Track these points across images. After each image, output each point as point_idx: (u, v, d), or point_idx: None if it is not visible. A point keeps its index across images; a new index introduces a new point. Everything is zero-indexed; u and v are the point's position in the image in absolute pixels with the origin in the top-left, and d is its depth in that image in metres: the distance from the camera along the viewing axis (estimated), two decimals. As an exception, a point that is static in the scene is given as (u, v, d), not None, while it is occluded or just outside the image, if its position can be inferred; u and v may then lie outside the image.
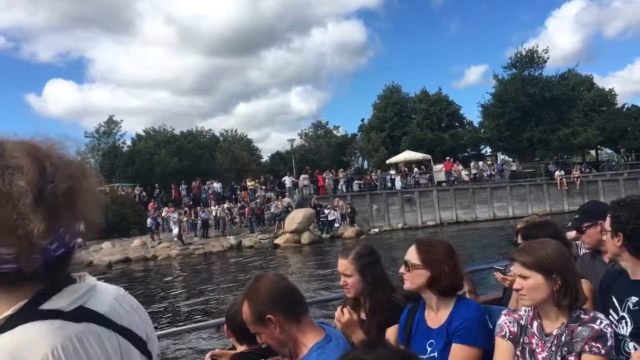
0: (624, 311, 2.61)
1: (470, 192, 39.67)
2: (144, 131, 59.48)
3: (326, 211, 34.00)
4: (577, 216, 3.74)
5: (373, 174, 43.02)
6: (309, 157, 55.68)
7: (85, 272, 1.29)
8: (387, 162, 46.98)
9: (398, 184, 39.57)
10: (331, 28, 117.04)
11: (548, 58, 54.61)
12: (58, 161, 1.13)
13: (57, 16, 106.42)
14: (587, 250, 3.83)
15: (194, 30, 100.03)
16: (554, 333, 2.39)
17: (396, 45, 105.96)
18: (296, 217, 31.76)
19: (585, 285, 2.71)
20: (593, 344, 2.28)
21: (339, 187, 39.56)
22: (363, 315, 3.08)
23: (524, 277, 2.45)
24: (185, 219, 33.40)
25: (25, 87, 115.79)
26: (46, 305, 1.12)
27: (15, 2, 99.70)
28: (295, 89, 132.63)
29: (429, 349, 2.71)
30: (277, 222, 33.68)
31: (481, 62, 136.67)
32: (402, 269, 2.82)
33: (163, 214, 33.90)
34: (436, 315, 2.77)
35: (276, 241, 31.38)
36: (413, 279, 2.76)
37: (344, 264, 3.13)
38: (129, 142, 58.96)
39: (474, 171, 42.79)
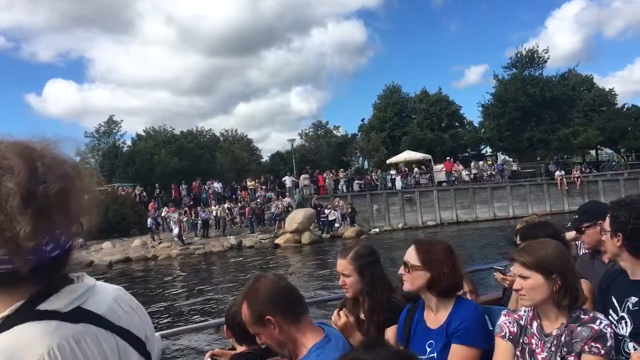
0: (623, 311, 2.61)
1: (470, 192, 39.68)
2: (144, 131, 59.50)
3: (326, 211, 34.02)
4: (576, 216, 3.75)
5: (373, 174, 43.03)
6: (309, 157, 55.68)
7: (84, 272, 1.29)
8: (388, 162, 46.99)
9: (398, 184, 39.59)
10: (331, 28, 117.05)
11: (548, 58, 54.71)
12: (51, 162, 1.12)
13: (57, 16, 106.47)
14: (586, 251, 3.83)
15: (194, 30, 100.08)
16: (554, 333, 2.39)
17: (396, 45, 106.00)
18: (297, 217, 31.77)
19: (584, 285, 2.71)
20: (593, 344, 2.28)
21: (340, 187, 39.58)
22: (362, 316, 3.08)
23: (524, 277, 2.45)
24: (185, 219, 33.42)
25: (25, 87, 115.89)
26: (43, 306, 1.12)
27: (15, 2, 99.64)
28: (295, 89, 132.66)
29: (428, 350, 2.70)
30: (277, 222, 33.69)
31: (481, 62, 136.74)
32: (401, 270, 2.81)
33: (163, 214, 33.90)
34: (435, 316, 2.77)
35: (276, 241, 31.40)
36: (413, 280, 2.76)
37: (342, 264, 3.13)
38: (129, 142, 59.02)
39: (474, 171, 42.79)
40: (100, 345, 1.16)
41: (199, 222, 33.47)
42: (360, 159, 66.41)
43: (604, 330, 2.30)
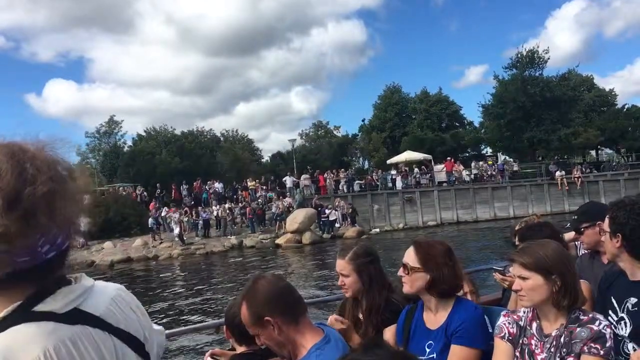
0: (623, 312, 2.61)
1: (471, 192, 39.68)
2: (144, 131, 59.57)
3: (327, 211, 34.03)
4: (575, 217, 3.75)
5: (374, 174, 43.05)
6: (309, 158, 55.66)
7: (83, 273, 1.29)
8: (388, 162, 46.97)
9: (399, 184, 39.59)
10: (331, 28, 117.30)
11: (549, 58, 54.60)
12: (41, 163, 1.12)
13: (57, 16, 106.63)
14: (586, 251, 3.83)
15: (194, 30, 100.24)
16: (553, 334, 2.39)
17: (396, 45, 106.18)
18: (297, 217, 31.77)
19: (584, 286, 2.71)
20: (592, 344, 2.28)
21: (340, 187, 39.59)
22: (361, 316, 3.08)
23: (524, 278, 2.44)
24: (186, 219, 33.42)
25: (25, 87, 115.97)
26: (40, 307, 1.12)
27: (15, 2, 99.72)
28: (296, 89, 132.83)
29: (427, 350, 2.70)
30: (278, 222, 33.70)
31: (481, 62, 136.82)
32: (400, 272, 2.81)
33: (163, 214, 33.93)
34: (435, 317, 2.76)
35: (277, 241, 31.41)
36: (412, 282, 2.75)
37: (341, 264, 3.13)
38: (129, 142, 59.10)
39: (474, 171, 42.77)
40: (97, 347, 1.16)
41: (200, 222, 33.49)
42: (361, 159, 66.46)
43: (603, 331, 2.30)
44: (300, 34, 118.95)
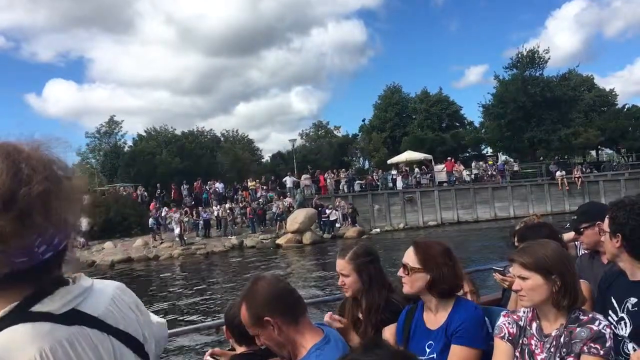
0: (623, 312, 2.61)
1: (471, 192, 39.69)
2: (145, 131, 59.61)
3: (328, 211, 34.05)
4: (575, 217, 3.75)
5: (374, 174, 43.05)
6: (310, 158, 55.67)
7: (81, 273, 1.28)
8: (388, 162, 46.98)
9: (399, 184, 39.61)
10: (331, 28, 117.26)
11: (549, 58, 54.57)
12: (37, 163, 1.11)
13: (57, 16, 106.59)
14: (585, 251, 3.83)
15: (194, 30, 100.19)
16: (553, 334, 2.39)
17: (396, 45, 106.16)
18: (298, 217, 31.79)
19: (583, 286, 2.71)
20: (592, 345, 2.28)
21: (341, 187, 39.59)
22: (360, 315, 3.08)
23: (523, 278, 2.45)
24: (186, 219, 33.44)
25: (25, 87, 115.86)
26: (37, 308, 1.12)
27: (15, 2, 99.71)
28: (296, 89, 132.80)
29: (427, 350, 2.70)
30: (278, 222, 33.71)
31: (481, 62, 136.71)
32: (400, 272, 2.81)
33: (162, 214, 33.95)
34: (435, 317, 2.76)
35: (278, 241, 31.42)
36: (412, 283, 2.76)
37: (341, 264, 3.13)
38: (130, 142, 59.11)
39: (475, 171, 42.78)
40: (95, 348, 1.16)
41: (201, 222, 33.51)
42: (361, 159, 66.43)
43: (603, 331, 2.30)
44: (300, 34, 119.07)
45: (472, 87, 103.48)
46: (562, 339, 2.35)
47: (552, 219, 27.41)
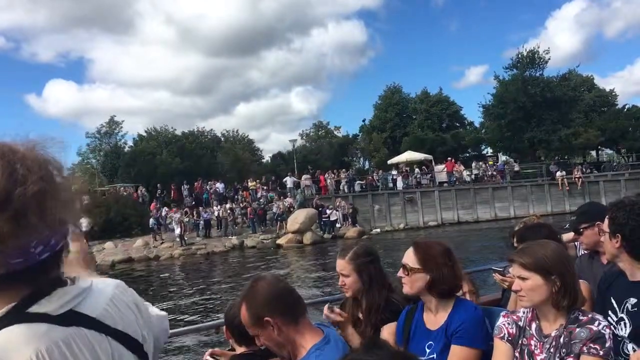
0: (622, 312, 2.61)
1: (471, 192, 39.70)
2: (145, 131, 59.60)
3: (328, 211, 34.06)
4: (574, 217, 3.75)
5: (375, 174, 43.06)
6: (310, 158, 55.67)
7: (79, 274, 1.29)
8: (389, 162, 47.00)
9: (400, 184, 39.62)
10: (331, 28, 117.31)
11: (549, 59, 54.57)
12: (32, 163, 1.11)
13: (57, 16, 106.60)
14: (585, 252, 3.83)
15: (194, 30, 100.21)
16: (553, 334, 2.39)
17: (396, 45, 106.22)
18: (298, 217, 31.81)
19: (583, 286, 2.71)
20: (591, 345, 2.28)
21: (341, 187, 39.59)
22: (360, 315, 3.08)
23: (523, 279, 2.45)
24: (187, 219, 33.45)
25: (25, 88, 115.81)
26: (34, 309, 1.12)
27: (15, 2, 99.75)
28: (296, 89, 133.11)
29: (427, 351, 2.70)
30: (279, 222, 33.72)
31: (481, 63, 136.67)
32: (400, 273, 2.82)
33: (163, 214, 33.97)
34: (435, 317, 2.77)
35: (278, 241, 31.43)
36: (412, 283, 2.76)
37: (341, 264, 3.13)
38: (130, 143, 59.12)
39: (475, 171, 42.78)
40: (92, 349, 1.16)
41: (201, 222, 33.52)
42: (362, 159, 66.42)
43: (602, 331, 2.30)
44: (300, 34, 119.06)
45: (472, 87, 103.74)
46: (561, 340, 2.35)
47: (552, 219, 27.42)
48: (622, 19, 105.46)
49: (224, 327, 3.00)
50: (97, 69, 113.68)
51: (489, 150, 61.21)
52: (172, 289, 20.39)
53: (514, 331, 2.51)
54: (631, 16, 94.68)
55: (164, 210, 34.59)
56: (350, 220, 35.13)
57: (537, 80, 53.09)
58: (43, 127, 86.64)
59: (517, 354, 2.48)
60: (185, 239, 31.56)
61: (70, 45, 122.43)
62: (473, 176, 41.98)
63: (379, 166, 48.76)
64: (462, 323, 2.64)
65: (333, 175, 40.37)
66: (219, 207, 34.87)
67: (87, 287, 1.26)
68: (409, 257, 2.79)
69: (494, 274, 3.52)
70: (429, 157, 45.60)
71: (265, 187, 39.21)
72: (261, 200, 36.50)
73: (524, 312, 2.55)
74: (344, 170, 43.61)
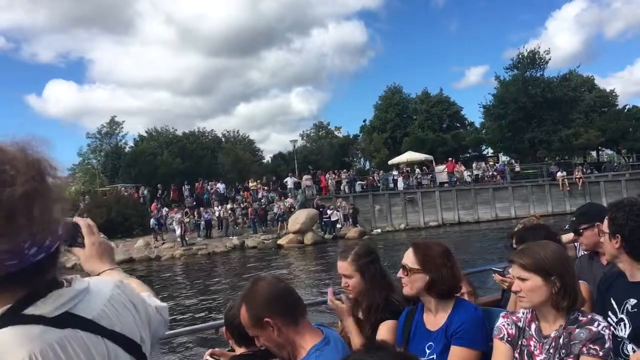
0: (622, 313, 2.61)
1: (472, 192, 39.70)
2: (146, 132, 59.71)
3: (329, 212, 34.08)
4: (574, 218, 3.74)
5: (375, 174, 43.06)
6: (311, 158, 55.66)
7: (77, 275, 1.28)
8: (389, 162, 46.99)
9: (400, 184, 39.61)
10: (332, 29, 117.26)
11: (549, 59, 54.55)
12: (21, 164, 1.11)
13: (57, 16, 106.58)
14: (585, 252, 3.83)
15: (194, 31, 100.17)
16: (552, 335, 2.39)
17: (397, 45, 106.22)
18: (299, 217, 31.84)
19: (583, 287, 2.71)
20: (591, 346, 2.27)
21: (342, 187, 39.60)
22: (360, 315, 3.08)
23: (523, 279, 2.45)
24: (187, 219, 33.47)
25: (25, 88, 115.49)
26: (29, 311, 1.11)
27: (15, 2, 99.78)
28: (296, 89, 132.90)
29: (427, 352, 2.71)
30: (280, 222, 33.74)
31: (481, 63, 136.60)
32: (400, 273, 2.82)
33: (163, 214, 33.98)
34: (435, 318, 2.77)
35: (279, 242, 31.46)
36: (412, 284, 2.76)
37: (343, 266, 3.13)
38: (131, 143, 59.17)
39: (476, 172, 42.77)
40: (88, 350, 1.16)
41: (202, 222, 33.54)
42: (362, 159, 66.38)
43: (602, 332, 2.30)
44: (300, 34, 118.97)
45: (472, 87, 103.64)
46: (561, 340, 2.35)
47: (553, 220, 27.42)
48: (622, 19, 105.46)
49: (224, 327, 3.00)
50: (97, 69, 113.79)
51: (489, 151, 61.31)
52: (172, 289, 20.38)
53: (514, 332, 2.51)
54: (631, 16, 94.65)
55: (165, 210, 34.60)
56: (351, 220, 35.14)
57: (538, 81, 53.06)
58: (43, 127, 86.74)
59: (516, 355, 2.47)
60: (186, 239, 31.58)
61: (71, 45, 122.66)
62: (474, 176, 42.00)
63: (380, 166, 48.76)
64: (462, 324, 2.64)
65: (334, 176, 40.39)
66: (219, 207, 34.90)
67: (83, 288, 1.25)
68: (409, 258, 2.79)
69: (493, 275, 3.51)
70: (430, 157, 45.60)
71: (266, 188, 39.24)
72: (262, 200, 36.52)
73: (523, 313, 2.55)
74: (344, 170, 43.63)
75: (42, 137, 1.19)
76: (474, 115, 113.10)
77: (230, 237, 32.69)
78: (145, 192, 39.58)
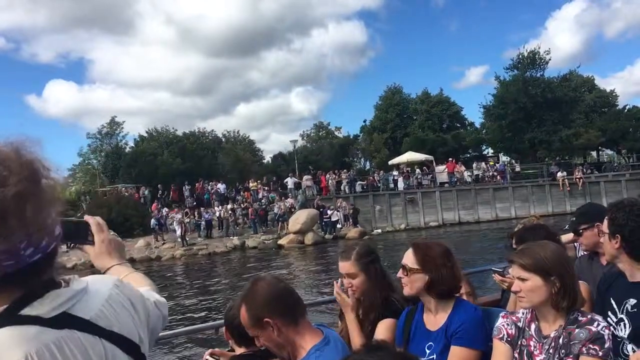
0: (622, 313, 2.61)
1: (472, 193, 39.71)
2: (146, 132, 59.70)
3: (329, 212, 34.08)
4: (574, 218, 3.74)
5: (376, 174, 43.06)
6: (311, 158, 55.65)
7: (75, 275, 1.28)
8: (390, 163, 46.99)
9: (400, 184, 39.63)
10: (332, 29, 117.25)
11: (550, 59, 54.53)
12: (14, 164, 1.10)
13: (57, 16, 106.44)
14: (585, 252, 3.83)
15: (194, 31, 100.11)
16: (552, 335, 2.39)
17: (397, 45, 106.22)
18: (300, 217, 31.84)
19: (583, 287, 2.71)
20: (590, 346, 2.27)
21: (342, 188, 39.60)
22: (360, 314, 3.08)
23: (523, 279, 2.44)
24: (187, 220, 33.49)
25: (25, 88, 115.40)
26: (26, 311, 1.11)
27: (15, 2, 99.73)
28: (296, 89, 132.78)
29: (427, 352, 2.71)
30: (280, 222, 33.75)
31: (481, 63, 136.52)
32: (400, 273, 2.82)
33: (163, 215, 33.99)
34: (435, 318, 2.77)
35: (280, 242, 31.48)
36: (412, 284, 2.76)
37: (346, 266, 3.11)
38: (131, 143, 59.17)
39: (476, 172, 42.77)
40: (85, 351, 1.15)
41: (203, 222, 33.55)
42: (362, 160, 66.38)
43: (601, 332, 2.30)
44: (300, 34, 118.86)
45: (472, 87, 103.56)
46: (560, 340, 2.35)
47: (553, 220, 27.42)
48: (622, 20, 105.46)
49: (224, 327, 3.00)
50: (97, 69, 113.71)
51: (489, 151, 61.26)
52: (173, 290, 20.37)
53: (513, 332, 2.51)
54: (631, 17, 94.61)
55: (165, 210, 34.61)
56: (351, 220, 35.15)
57: (538, 81, 53.04)
58: (43, 127, 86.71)
59: (516, 355, 2.47)
60: (187, 239, 31.59)
61: (71, 45, 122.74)
62: (474, 177, 41.99)
63: (380, 167, 48.76)
64: (461, 324, 2.64)
65: (334, 176, 40.39)
66: (220, 207, 34.90)
67: (81, 288, 1.25)
68: (408, 258, 2.79)
69: (493, 275, 3.51)
70: (430, 157, 45.61)
71: (266, 188, 39.25)
72: (262, 200, 36.53)
73: (523, 313, 2.55)
74: (345, 170, 43.61)
75: (35, 138, 1.19)
76: (474, 115, 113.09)
77: (231, 238, 32.71)
78: (146, 192, 39.60)
